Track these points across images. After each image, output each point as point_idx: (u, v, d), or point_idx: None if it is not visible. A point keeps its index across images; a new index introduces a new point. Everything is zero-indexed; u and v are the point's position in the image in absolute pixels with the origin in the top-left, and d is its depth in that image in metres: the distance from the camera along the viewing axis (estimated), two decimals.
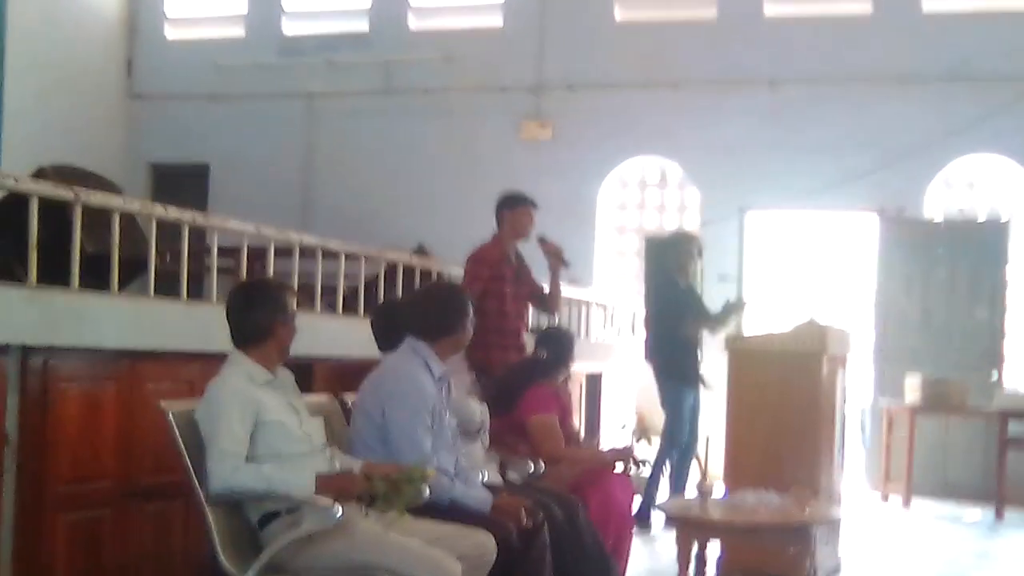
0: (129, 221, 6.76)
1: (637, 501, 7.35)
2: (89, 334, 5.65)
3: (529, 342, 7.89)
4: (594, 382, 11.88)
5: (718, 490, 6.76)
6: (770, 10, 14.10)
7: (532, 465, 6.43)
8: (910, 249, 12.78)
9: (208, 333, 5.80)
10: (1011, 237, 12.81)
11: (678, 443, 9.53)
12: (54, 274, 5.87)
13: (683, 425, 9.55)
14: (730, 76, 13.85)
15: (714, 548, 6.67)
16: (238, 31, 16.15)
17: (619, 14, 14.72)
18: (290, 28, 15.97)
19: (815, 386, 7.57)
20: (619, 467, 6.93)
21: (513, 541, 5.00)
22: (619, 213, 15.02)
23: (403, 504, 4.59)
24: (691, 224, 14.26)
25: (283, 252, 7.90)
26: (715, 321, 9.63)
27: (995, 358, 12.56)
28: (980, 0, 13.39)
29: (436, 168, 14.94)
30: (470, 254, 7.94)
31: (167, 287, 6.74)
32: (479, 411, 6.21)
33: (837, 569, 7.80)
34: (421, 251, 11.73)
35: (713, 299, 10.22)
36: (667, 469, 9.66)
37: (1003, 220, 13.06)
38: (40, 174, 7.64)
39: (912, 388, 11.58)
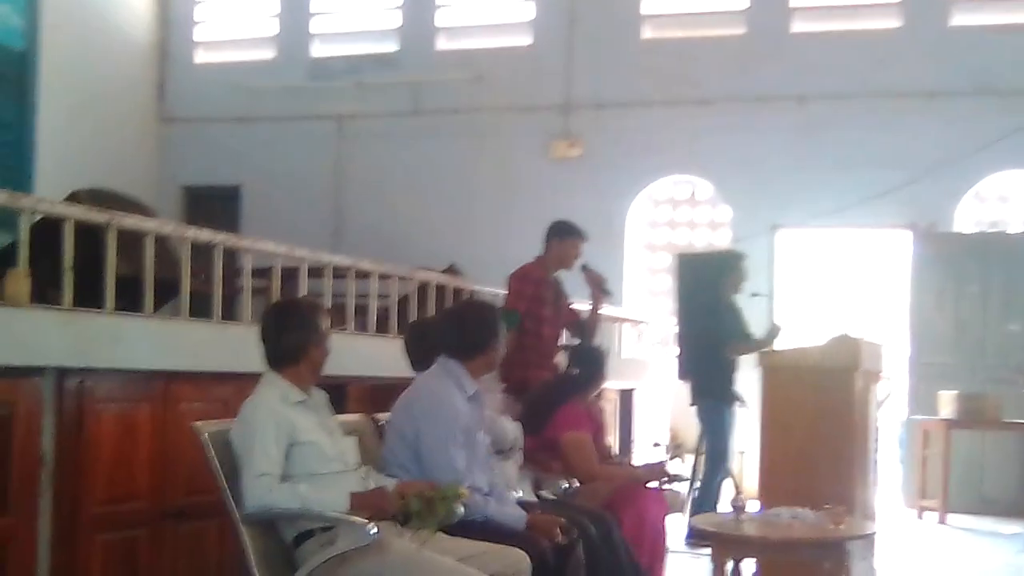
0: (162, 243, 6.80)
1: (671, 518, 7.31)
2: (123, 356, 5.70)
3: (561, 360, 7.90)
4: (626, 399, 11.89)
5: (753, 506, 6.74)
6: (797, 26, 14.08)
7: (566, 483, 6.43)
8: (942, 264, 12.70)
9: (241, 353, 5.83)
10: None
11: (725, 460, 9.52)
12: (88, 297, 5.92)
13: (728, 442, 9.54)
14: (758, 93, 13.83)
15: (749, 565, 6.65)
16: (268, 54, 16.23)
17: (647, 32, 14.74)
18: (319, 50, 16.04)
19: (849, 401, 7.54)
20: (653, 484, 6.92)
21: (548, 559, 4.99)
22: (649, 231, 15.01)
23: (437, 522, 4.60)
24: (722, 241, 14.24)
25: (315, 272, 7.94)
26: (757, 345, 9.54)
27: None
28: (1008, 13, 13.35)
29: (466, 188, 14.96)
30: (514, 272, 7.96)
31: (200, 308, 6.79)
32: (512, 429, 6.21)
33: None
34: (452, 270, 11.76)
35: (746, 313, 10.16)
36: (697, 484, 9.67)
37: None
38: (74, 198, 7.69)
39: (946, 403, 11.52)
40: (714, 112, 13.98)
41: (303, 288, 7.64)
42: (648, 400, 12.43)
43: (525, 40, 15.21)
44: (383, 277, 8.65)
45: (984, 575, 8.80)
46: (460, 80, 15.09)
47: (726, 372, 9.70)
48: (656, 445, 10.08)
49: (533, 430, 6.58)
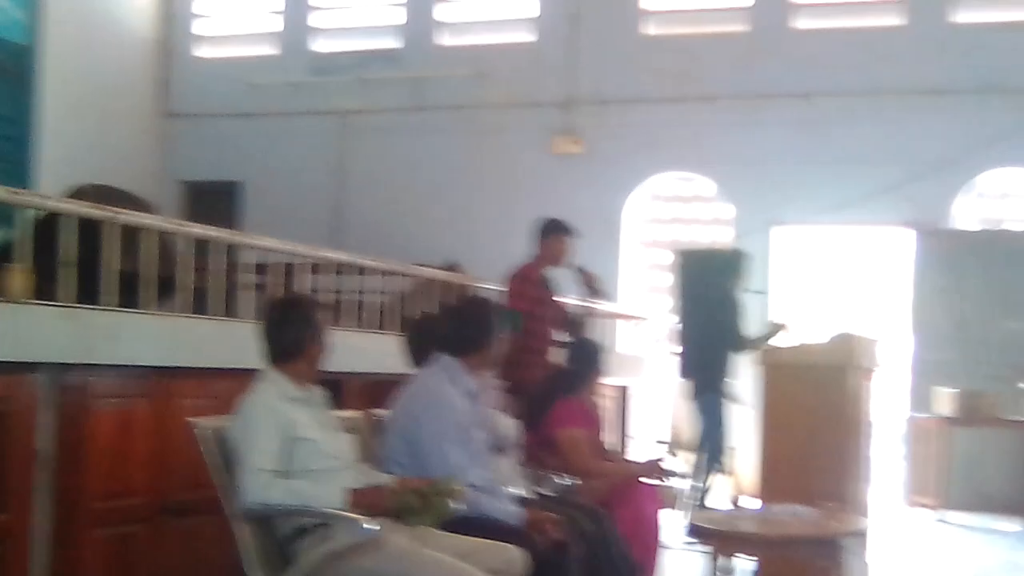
0: (163, 239, 6.82)
1: (667, 515, 7.33)
2: (123, 352, 5.72)
3: (557, 357, 7.92)
4: (624, 396, 11.89)
5: (753, 503, 6.76)
6: (800, 23, 14.08)
7: (562, 479, 6.44)
8: (943, 261, 12.70)
9: (241, 350, 5.84)
10: None
11: (723, 450, 9.54)
12: (88, 292, 5.94)
13: (725, 434, 9.58)
14: (761, 90, 13.83)
15: (745, 561, 6.67)
16: (270, 49, 16.24)
17: (649, 28, 14.73)
18: (322, 46, 16.05)
19: (847, 398, 7.56)
20: (649, 480, 6.94)
21: (544, 555, 5.01)
22: (651, 227, 15.01)
23: (435, 518, 4.62)
24: (724, 238, 14.25)
25: (316, 268, 7.96)
26: (761, 342, 9.55)
27: None
28: (1012, 11, 13.33)
29: (468, 184, 14.96)
30: (513, 272, 7.99)
31: (200, 304, 6.80)
32: (510, 426, 6.23)
33: None
34: (453, 267, 11.77)
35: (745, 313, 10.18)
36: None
37: None
38: (78, 194, 7.71)
39: (946, 400, 11.53)
40: (716, 109, 13.98)
41: (304, 284, 7.66)
42: (646, 397, 12.44)
43: (528, 36, 15.21)
44: (384, 273, 8.67)
45: (982, 572, 8.82)
46: (463, 76, 15.09)
47: (727, 367, 9.73)
48: (660, 442, 10.12)
49: (530, 427, 6.60)
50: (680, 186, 14.88)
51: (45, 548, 5.34)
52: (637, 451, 11.12)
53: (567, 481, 6.49)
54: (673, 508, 8.51)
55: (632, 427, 12.01)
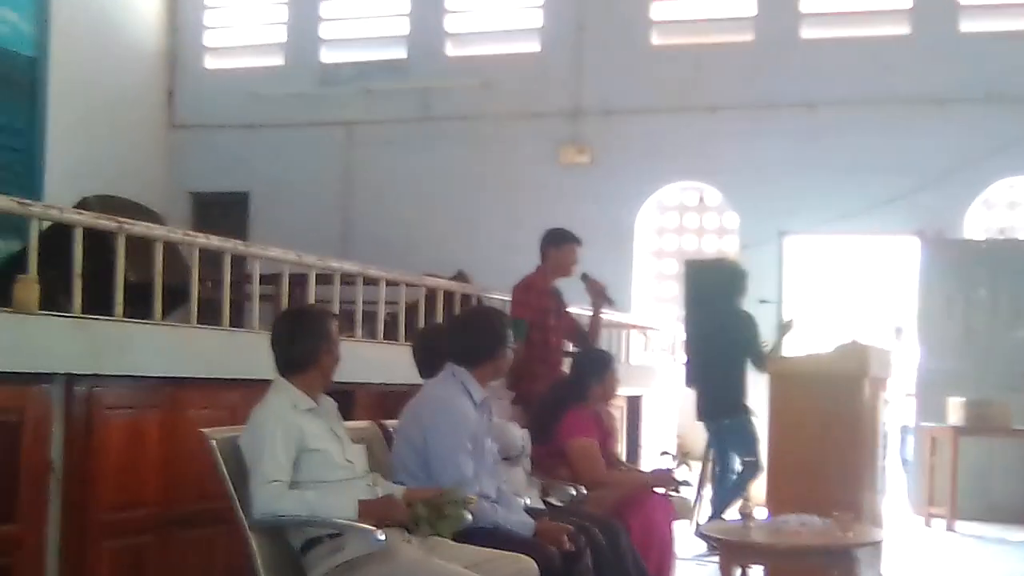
0: (171, 250, 6.82)
1: (679, 525, 7.31)
2: (133, 362, 5.72)
3: (567, 367, 7.91)
4: (634, 405, 11.88)
5: (760, 513, 6.73)
6: (806, 33, 14.07)
7: (573, 489, 6.43)
8: (951, 270, 12.68)
9: (250, 360, 5.85)
10: None
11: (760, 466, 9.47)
12: (98, 303, 5.94)
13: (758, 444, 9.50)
14: (767, 99, 13.83)
15: (757, 572, 6.65)
16: (277, 60, 16.25)
17: (655, 39, 14.73)
18: (328, 57, 16.05)
19: (857, 408, 7.55)
20: (660, 491, 6.92)
21: (556, 566, 4.99)
22: (657, 237, 15.01)
23: (447, 527, 4.61)
24: (730, 248, 14.24)
25: (323, 279, 7.95)
26: (774, 353, 9.49)
27: None
28: (1017, 20, 13.33)
29: (475, 194, 14.96)
30: (518, 284, 7.97)
31: (209, 315, 6.80)
32: (520, 435, 6.22)
33: None
34: (460, 277, 11.76)
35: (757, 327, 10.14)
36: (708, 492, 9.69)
37: None
38: (83, 205, 7.71)
39: (955, 410, 11.49)
40: (723, 118, 13.98)
41: (311, 295, 7.65)
42: (656, 407, 12.42)
43: (534, 46, 15.21)
44: (391, 284, 8.66)
45: None
46: (469, 86, 15.09)
47: (745, 384, 9.69)
48: (664, 453, 10.07)
49: (541, 436, 6.58)
50: (687, 196, 14.87)
51: (55, 559, 5.33)
52: (648, 461, 11.09)
53: (576, 491, 6.47)
54: (683, 519, 8.51)
55: (643, 437, 11.98)
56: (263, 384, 4.83)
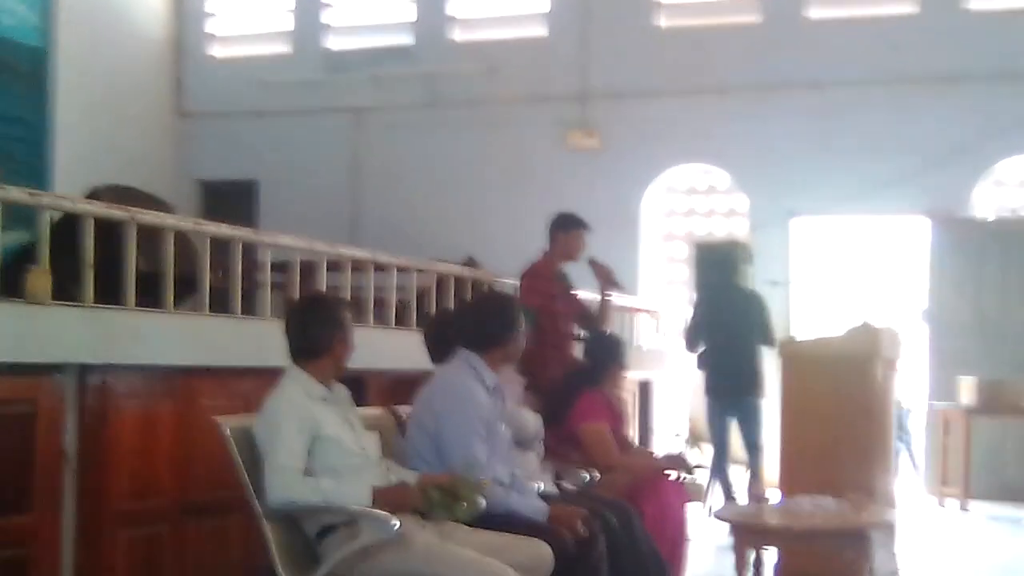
0: (181, 239, 6.82)
1: (690, 508, 7.32)
2: (145, 352, 5.72)
3: (577, 352, 7.90)
4: (645, 389, 11.87)
5: (773, 496, 6.74)
6: (813, 13, 14.03)
7: (586, 474, 6.43)
8: (961, 250, 12.66)
9: (262, 348, 5.86)
10: None
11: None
12: (109, 293, 5.94)
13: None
14: (775, 80, 13.79)
15: (771, 554, 6.65)
16: (284, 48, 16.25)
17: (662, 21, 14.70)
18: (335, 43, 16.04)
19: (869, 389, 7.53)
20: (673, 474, 6.92)
21: (569, 550, 4.99)
22: (667, 220, 14.99)
23: (462, 511, 4.60)
24: (739, 230, 14.23)
25: (333, 266, 7.94)
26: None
27: None
28: None
29: (483, 179, 14.95)
30: (525, 270, 7.97)
31: (220, 304, 6.80)
32: (532, 420, 6.22)
33: (895, 573, 7.74)
34: (470, 263, 11.75)
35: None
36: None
37: None
38: (94, 195, 7.71)
39: (967, 390, 11.48)
40: (730, 100, 13.95)
41: (322, 282, 7.65)
42: (666, 390, 12.41)
43: (540, 30, 15.19)
44: (401, 270, 8.66)
45: (1006, 562, 8.78)
46: (476, 71, 15.08)
47: (762, 367, 9.74)
48: (676, 436, 10.10)
49: (553, 421, 6.58)
50: (696, 178, 14.85)
51: (70, 548, 5.34)
52: (660, 445, 11.10)
53: (589, 476, 6.47)
54: (697, 502, 8.51)
55: (654, 421, 11.98)
56: (276, 372, 4.84)
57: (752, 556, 6.14)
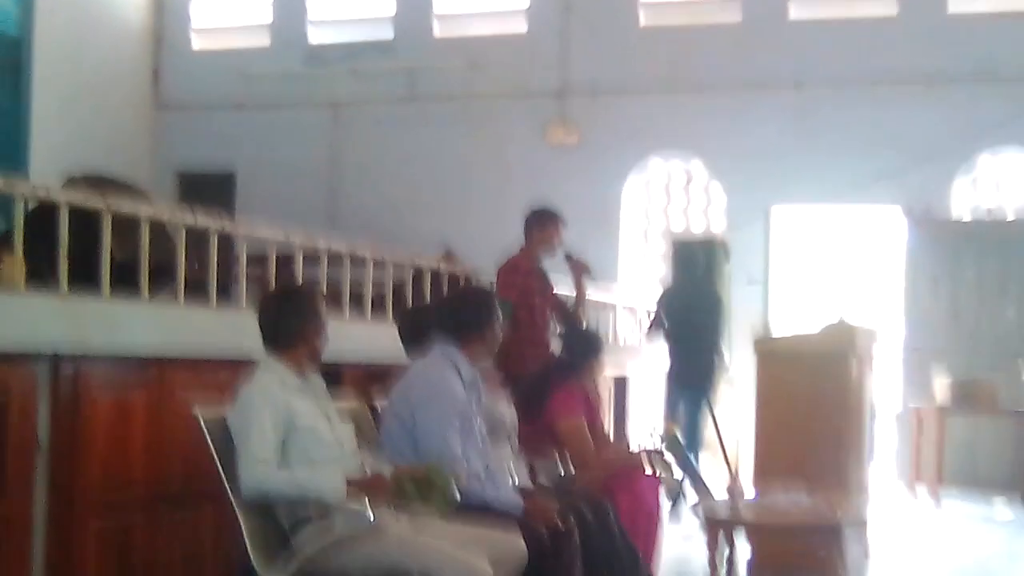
0: (158, 228, 6.78)
1: (664, 503, 7.34)
2: (119, 341, 5.69)
3: (554, 347, 7.91)
4: (621, 385, 11.88)
5: (748, 490, 6.75)
6: (795, 13, 14.07)
7: (561, 468, 6.43)
8: (938, 249, 12.72)
9: (237, 339, 5.82)
10: None
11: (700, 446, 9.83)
12: (84, 282, 5.90)
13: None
14: (755, 79, 13.84)
15: (744, 549, 6.66)
16: (264, 40, 16.21)
17: (643, 18, 14.73)
18: (315, 37, 16.02)
19: (845, 386, 7.56)
20: (648, 469, 6.92)
21: (544, 544, 4.99)
22: (645, 217, 15.01)
23: (438, 502, 4.59)
24: (718, 225, 14.27)
25: (310, 258, 7.92)
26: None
27: None
28: (1005, 0, 13.33)
29: (462, 174, 14.96)
30: (501, 265, 7.98)
31: (196, 294, 6.77)
32: (508, 414, 6.21)
33: (867, 569, 7.78)
34: (448, 254, 11.74)
35: (742, 300, 10.32)
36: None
37: None
38: (70, 183, 7.67)
39: (941, 388, 11.52)
40: (711, 98, 13.99)
41: (299, 274, 7.62)
42: (643, 386, 12.42)
43: (521, 26, 15.21)
44: (378, 263, 8.64)
45: (978, 559, 8.81)
46: (456, 66, 15.08)
47: (713, 365, 10.06)
48: (653, 431, 10.09)
49: (529, 415, 6.58)
50: (674, 175, 14.87)
51: (41, 538, 5.31)
52: (635, 440, 11.10)
53: (564, 470, 6.47)
54: (670, 497, 8.53)
55: (629, 416, 11.99)
56: (251, 363, 4.81)
57: (726, 551, 6.15)
